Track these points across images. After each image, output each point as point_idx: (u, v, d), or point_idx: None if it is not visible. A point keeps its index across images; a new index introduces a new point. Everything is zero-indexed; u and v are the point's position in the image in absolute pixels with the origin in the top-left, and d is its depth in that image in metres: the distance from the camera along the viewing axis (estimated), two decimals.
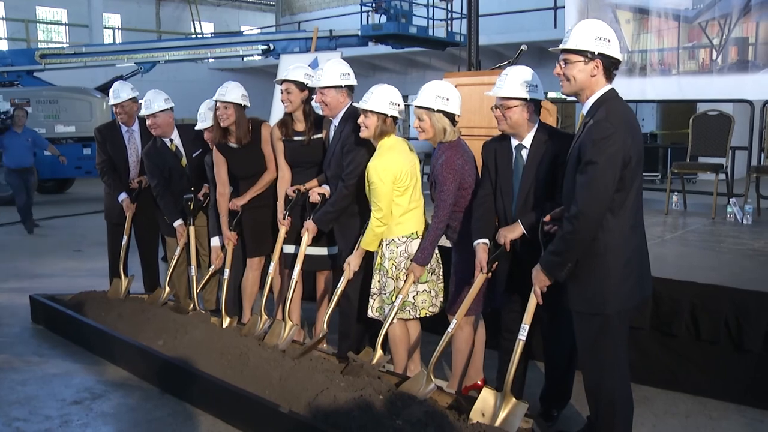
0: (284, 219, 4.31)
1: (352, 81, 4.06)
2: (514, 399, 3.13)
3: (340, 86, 4.00)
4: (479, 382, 3.82)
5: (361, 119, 3.72)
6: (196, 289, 4.94)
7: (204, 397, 3.75)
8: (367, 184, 3.72)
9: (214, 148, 4.55)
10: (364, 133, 3.73)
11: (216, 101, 4.44)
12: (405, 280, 3.67)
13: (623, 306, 2.87)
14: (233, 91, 4.40)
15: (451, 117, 3.55)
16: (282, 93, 4.26)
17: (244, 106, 4.46)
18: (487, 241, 3.34)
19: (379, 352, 3.72)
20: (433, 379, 3.49)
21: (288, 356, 3.89)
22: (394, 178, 3.64)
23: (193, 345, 4.14)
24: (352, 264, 3.88)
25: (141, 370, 4.18)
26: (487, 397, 3.18)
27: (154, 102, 4.91)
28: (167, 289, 5.13)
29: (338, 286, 3.97)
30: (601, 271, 2.82)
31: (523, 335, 3.08)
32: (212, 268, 4.88)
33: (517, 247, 3.28)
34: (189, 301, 5.28)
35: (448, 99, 3.52)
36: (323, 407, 3.29)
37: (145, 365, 4.16)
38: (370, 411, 3.23)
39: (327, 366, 3.80)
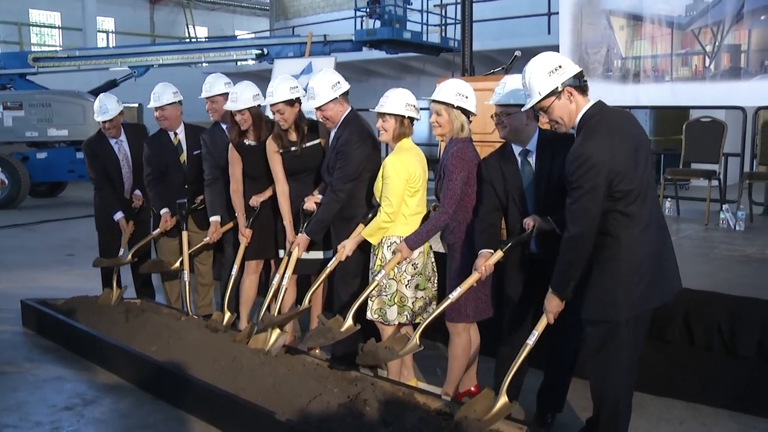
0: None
1: (344, 87, 4.05)
2: (506, 399, 3.11)
3: (336, 98, 4.01)
4: (473, 389, 3.82)
5: (379, 123, 3.76)
6: (187, 274, 4.96)
7: (197, 402, 3.72)
8: (380, 179, 3.74)
9: (230, 146, 4.55)
10: (383, 137, 3.77)
11: (230, 111, 4.44)
12: (391, 259, 3.69)
13: (634, 311, 2.88)
14: (243, 96, 4.38)
15: (467, 115, 3.59)
16: (274, 114, 4.25)
17: (258, 105, 4.46)
18: (491, 250, 3.33)
19: (350, 321, 3.72)
20: (418, 341, 3.44)
21: (280, 362, 3.88)
22: (408, 176, 3.69)
23: (186, 350, 4.12)
24: (347, 248, 3.91)
25: (133, 375, 4.16)
26: (484, 395, 3.19)
27: (163, 95, 4.95)
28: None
29: (328, 266, 3.99)
30: (611, 278, 2.84)
31: (531, 340, 3.06)
32: (206, 240, 4.86)
33: (534, 249, 3.29)
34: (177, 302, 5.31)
35: (467, 97, 3.57)
36: (316, 413, 3.28)
37: (138, 371, 4.14)
38: (363, 417, 3.22)
39: (320, 372, 3.79)
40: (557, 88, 2.81)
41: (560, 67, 2.83)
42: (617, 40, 7.10)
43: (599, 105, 2.86)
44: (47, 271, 7.25)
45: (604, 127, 2.78)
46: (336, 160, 3.99)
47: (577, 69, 2.86)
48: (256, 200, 4.55)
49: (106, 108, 5.20)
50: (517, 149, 3.35)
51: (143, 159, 5.09)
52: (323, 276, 4.02)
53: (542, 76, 2.83)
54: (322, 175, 4.18)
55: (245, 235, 4.57)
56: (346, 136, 3.97)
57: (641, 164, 2.81)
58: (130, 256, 5.21)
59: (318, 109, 4.00)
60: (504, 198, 3.37)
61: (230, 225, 4.78)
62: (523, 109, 3.10)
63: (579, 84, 2.84)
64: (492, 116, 3.37)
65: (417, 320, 3.79)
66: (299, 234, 4.15)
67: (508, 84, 3.29)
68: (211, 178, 4.73)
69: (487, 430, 3.05)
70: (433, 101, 3.59)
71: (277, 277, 4.33)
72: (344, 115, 4.05)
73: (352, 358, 4.03)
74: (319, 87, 3.98)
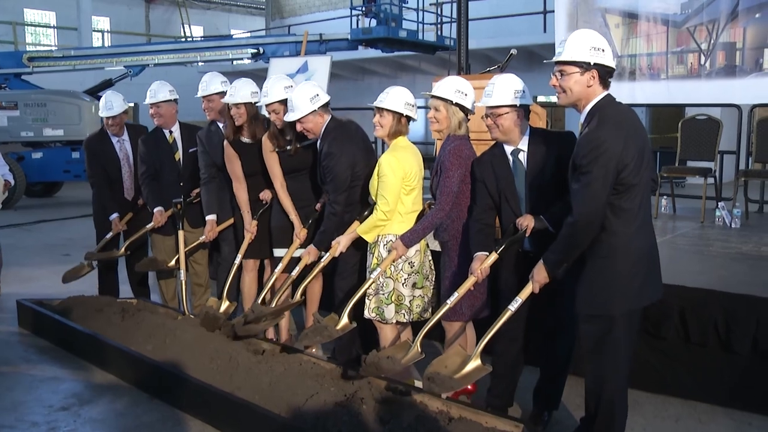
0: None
1: (323, 99, 4.05)
2: (479, 362, 3.14)
3: (314, 110, 4.01)
4: (469, 387, 3.82)
5: (376, 118, 3.76)
6: (184, 267, 4.96)
7: (193, 402, 3.72)
8: (376, 177, 3.75)
9: (226, 143, 4.56)
10: (378, 132, 3.76)
11: (227, 104, 4.46)
12: (386, 257, 3.69)
13: (630, 307, 2.90)
14: (242, 91, 4.41)
15: (465, 112, 3.60)
16: (270, 114, 4.27)
17: (255, 102, 4.47)
18: (486, 253, 3.33)
19: (345, 319, 3.72)
20: (419, 348, 3.45)
21: (276, 360, 3.88)
22: (404, 174, 3.69)
23: (182, 349, 4.12)
24: (341, 243, 3.91)
25: (130, 375, 4.15)
26: (455, 352, 3.20)
27: (159, 92, 5.00)
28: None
29: (321, 260, 3.98)
30: (607, 274, 2.85)
31: (513, 306, 3.08)
32: (202, 238, 4.87)
33: (529, 246, 3.30)
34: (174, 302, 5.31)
35: (466, 94, 3.59)
36: (313, 412, 3.28)
37: (134, 370, 4.14)
38: (360, 416, 3.22)
39: (317, 370, 3.79)
40: (588, 63, 2.81)
41: (603, 51, 2.84)
42: (613, 38, 7.13)
43: (611, 98, 2.88)
44: (43, 271, 7.23)
45: (616, 120, 2.80)
46: (325, 175, 4.04)
47: (613, 65, 2.89)
48: (267, 194, 4.53)
49: (111, 105, 5.22)
50: (508, 148, 3.36)
51: (138, 157, 5.11)
52: (316, 270, 4.03)
53: (583, 47, 2.83)
54: (320, 183, 4.20)
55: (251, 231, 4.56)
56: (326, 150, 4.01)
57: (644, 163, 2.83)
58: (123, 249, 5.23)
59: (298, 121, 4.02)
60: (497, 197, 3.38)
61: (227, 223, 4.77)
62: (545, 61, 3.10)
63: (605, 76, 2.86)
64: (483, 117, 3.38)
65: (414, 318, 3.79)
66: (310, 246, 4.14)
67: (497, 85, 3.29)
68: (207, 176, 4.74)
69: (458, 387, 3.13)
70: (432, 97, 3.60)
71: (275, 275, 4.33)
72: (324, 126, 4.06)
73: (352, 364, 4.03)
74: (297, 100, 3.99)
